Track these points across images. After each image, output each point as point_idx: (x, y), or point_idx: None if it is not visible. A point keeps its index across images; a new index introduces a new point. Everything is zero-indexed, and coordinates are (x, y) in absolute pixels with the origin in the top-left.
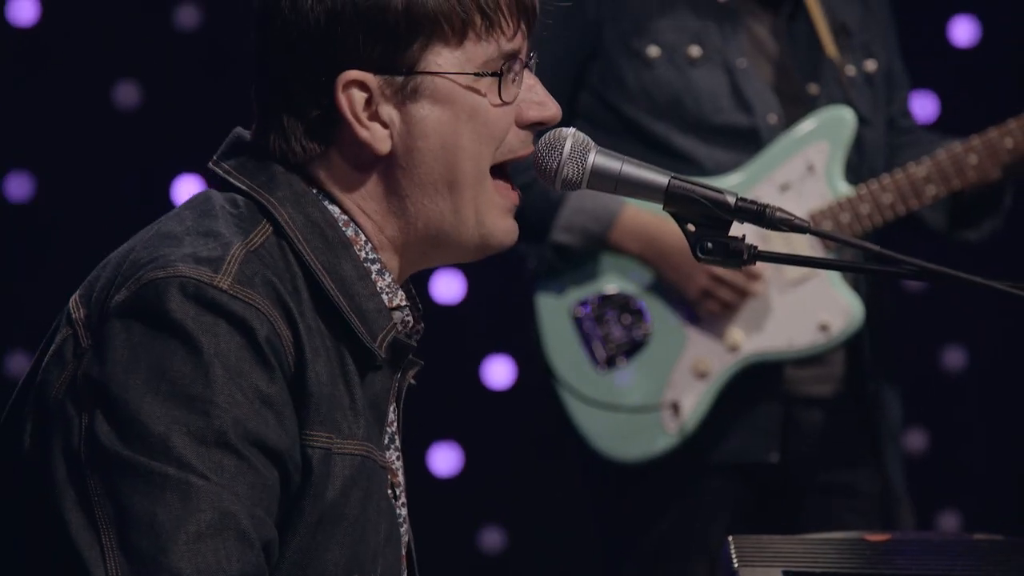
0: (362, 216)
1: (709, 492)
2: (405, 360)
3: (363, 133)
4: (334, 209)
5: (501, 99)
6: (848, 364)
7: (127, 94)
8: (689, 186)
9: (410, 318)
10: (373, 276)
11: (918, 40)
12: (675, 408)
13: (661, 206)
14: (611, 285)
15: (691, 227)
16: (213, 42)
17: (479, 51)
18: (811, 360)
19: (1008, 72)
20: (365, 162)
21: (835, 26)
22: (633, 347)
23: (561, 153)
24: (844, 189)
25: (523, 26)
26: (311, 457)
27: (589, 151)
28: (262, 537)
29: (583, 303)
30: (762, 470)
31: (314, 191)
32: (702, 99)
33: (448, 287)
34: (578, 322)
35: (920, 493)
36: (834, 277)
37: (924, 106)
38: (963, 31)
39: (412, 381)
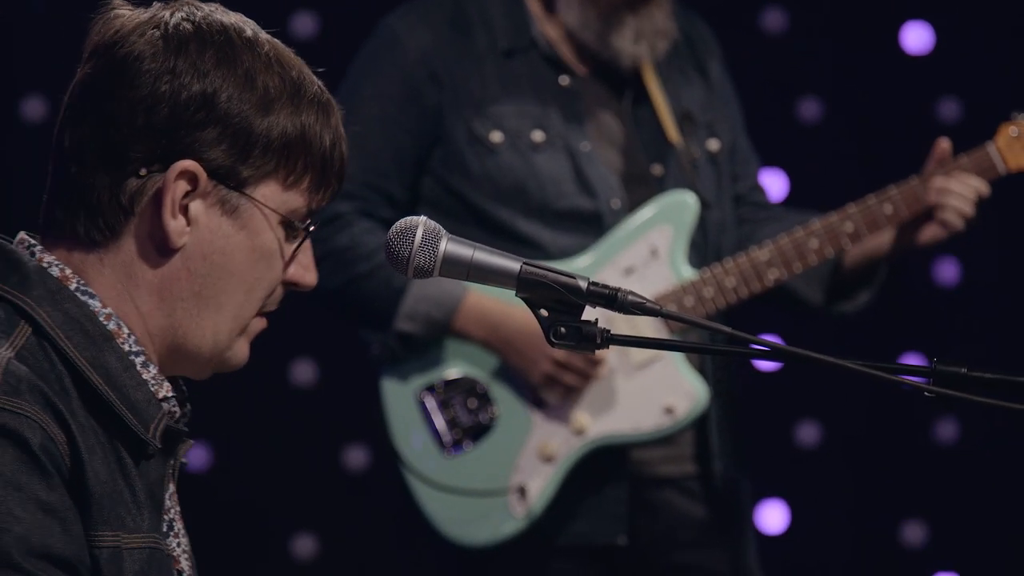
0: (130, 308)
1: (560, 575)
2: (177, 446)
3: (170, 221)
4: (94, 303)
5: (288, 252)
6: (696, 444)
7: None
8: (541, 271)
9: (176, 409)
10: (138, 368)
11: (766, 117)
12: (522, 492)
13: (513, 292)
14: (456, 369)
15: (544, 312)
16: None
17: (297, 200)
18: (659, 441)
19: (855, 147)
20: (152, 253)
21: (678, 110)
22: (479, 431)
23: (413, 241)
24: (687, 272)
25: (332, 192)
26: (99, 558)
27: (440, 239)
28: None
29: (429, 388)
30: (612, 552)
31: (72, 285)
32: (546, 184)
33: (304, 372)
34: (423, 407)
35: (777, 570)
36: (679, 360)
37: (773, 183)
38: (809, 108)
39: (184, 460)
